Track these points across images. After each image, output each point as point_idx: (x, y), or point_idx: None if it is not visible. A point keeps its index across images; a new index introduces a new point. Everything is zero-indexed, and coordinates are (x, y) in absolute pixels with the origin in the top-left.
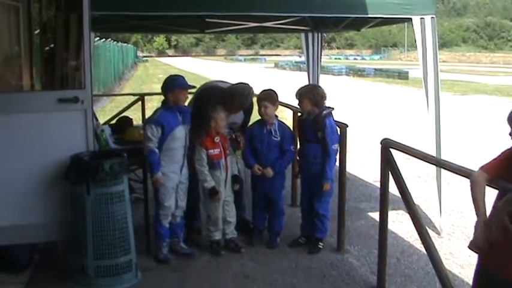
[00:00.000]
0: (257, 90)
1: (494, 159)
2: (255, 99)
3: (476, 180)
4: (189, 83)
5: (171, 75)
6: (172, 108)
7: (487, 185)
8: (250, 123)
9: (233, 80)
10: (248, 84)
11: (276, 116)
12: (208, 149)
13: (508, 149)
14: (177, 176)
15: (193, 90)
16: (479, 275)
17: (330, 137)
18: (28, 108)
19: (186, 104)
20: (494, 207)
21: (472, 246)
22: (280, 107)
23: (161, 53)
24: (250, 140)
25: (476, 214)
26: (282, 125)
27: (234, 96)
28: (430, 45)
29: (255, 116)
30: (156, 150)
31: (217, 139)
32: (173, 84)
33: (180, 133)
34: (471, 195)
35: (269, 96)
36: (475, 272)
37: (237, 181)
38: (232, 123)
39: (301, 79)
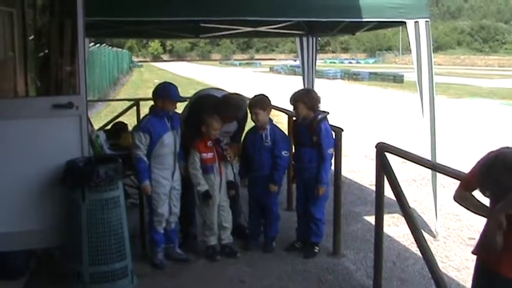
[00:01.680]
0: (252, 95)
1: (466, 175)
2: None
3: (461, 195)
4: (181, 95)
5: (165, 83)
6: (160, 114)
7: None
8: (245, 130)
9: (229, 86)
10: (242, 96)
11: (271, 120)
12: (201, 153)
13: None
14: (168, 182)
15: (188, 96)
16: (480, 275)
17: (325, 141)
18: (23, 114)
19: (181, 111)
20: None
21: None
22: (275, 111)
23: (156, 58)
24: (244, 147)
25: (486, 215)
26: (275, 130)
27: (228, 107)
28: (425, 49)
29: (250, 123)
30: (144, 158)
31: (210, 143)
32: (164, 93)
33: (169, 139)
34: (467, 209)
35: (260, 103)
36: (474, 273)
37: (232, 187)
38: (225, 132)
39: (296, 83)
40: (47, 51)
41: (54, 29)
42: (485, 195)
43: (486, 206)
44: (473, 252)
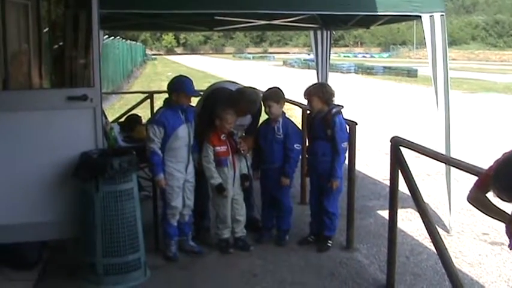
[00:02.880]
0: (265, 88)
1: (484, 173)
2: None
3: (476, 197)
4: (195, 89)
5: (180, 76)
6: (174, 107)
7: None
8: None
9: (242, 79)
10: (256, 89)
11: (284, 113)
12: (214, 146)
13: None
14: (182, 175)
15: (202, 89)
16: None
17: (339, 135)
18: (37, 106)
19: (195, 103)
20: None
21: None
22: (289, 104)
23: (170, 51)
24: (256, 139)
25: (504, 221)
26: (287, 122)
27: (241, 100)
28: (440, 43)
29: (264, 116)
30: (159, 151)
31: (223, 137)
32: (179, 87)
33: (183, 132)
34: (481, 211)
35: (273, 95)
36: None
37: (246, 179)
38: (239, 125)
39: (310, 77)
40: (61, 43)
41: (68, 21)
42: (502, 199)
43: (502, 211)
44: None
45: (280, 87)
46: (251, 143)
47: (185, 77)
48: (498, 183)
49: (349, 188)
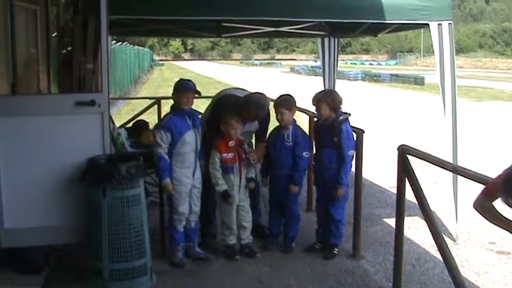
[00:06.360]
0: (274, 95)
1: (492, 181)
2: (271, 110)
3: (482, 205)
4: (190, 87)
5: (179, 79)
6: (181, 113)
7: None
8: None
9: (250, 85)
10: (264, 95)
11: (294, 121)
12: (221, 153)
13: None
14: (190, 181)
15: (210, 95)
16: None
17: (345, 143)
18: (45, 111)
19: (203, 110)
20: None
21: None
22: (296, 111)
23: (177, 57)
24: (266, 146)
25: (509, 230)
26: (297, 130)
27: (249, 105)
28: (448, 51)
29: (274, 123)
30: (166, 156)
31: (231, 143)
32: (175, 87)
33: (190, 137)
34: (486, 219)
35: (286, 102)
36: None
37: (251, 181)
38: (246, 131)
39: (317, 84)
40: (70, 48)
41: (77, 27)
42: (510, 206)
43: (509, 220)
44: None
45: (292, 95)
46: (262, 152)
47: (183, 79)
48: (507, 187)
49: (356, 195)
